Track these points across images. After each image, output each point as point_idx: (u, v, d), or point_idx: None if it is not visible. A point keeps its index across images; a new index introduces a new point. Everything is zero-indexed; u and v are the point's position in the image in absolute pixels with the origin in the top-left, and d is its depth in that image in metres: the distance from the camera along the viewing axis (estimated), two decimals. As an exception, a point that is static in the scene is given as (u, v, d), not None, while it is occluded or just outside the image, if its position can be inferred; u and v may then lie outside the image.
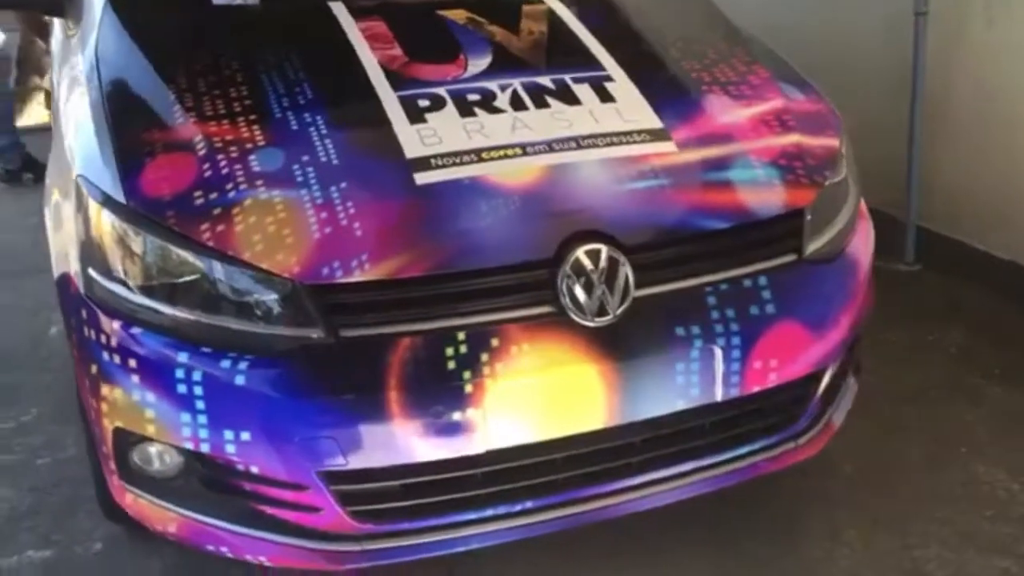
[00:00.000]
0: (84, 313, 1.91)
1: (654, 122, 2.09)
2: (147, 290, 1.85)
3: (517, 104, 2.07)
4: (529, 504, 1.92)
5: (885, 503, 2.36)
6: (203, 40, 2.28)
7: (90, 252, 1.92)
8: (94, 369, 1.87)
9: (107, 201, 1.90)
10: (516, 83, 2.12)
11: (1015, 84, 3.30)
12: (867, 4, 3.87)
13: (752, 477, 2.09)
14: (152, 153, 1.95)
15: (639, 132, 2.05)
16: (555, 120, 2.05)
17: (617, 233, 1.88)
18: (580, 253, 1.84)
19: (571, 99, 2.11)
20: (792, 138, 2.17)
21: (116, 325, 1.85)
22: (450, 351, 1.78)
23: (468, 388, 1.77)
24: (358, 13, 2.31)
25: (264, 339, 1.79)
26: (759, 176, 2.07)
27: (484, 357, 1.78)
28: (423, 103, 2.04)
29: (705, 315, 1.91)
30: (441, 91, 2.08)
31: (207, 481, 1.89)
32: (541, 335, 1.82)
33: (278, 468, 1.81)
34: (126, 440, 1.89)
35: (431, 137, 1.96)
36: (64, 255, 2.03)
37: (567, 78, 2.16)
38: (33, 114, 6.41)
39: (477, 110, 2.04)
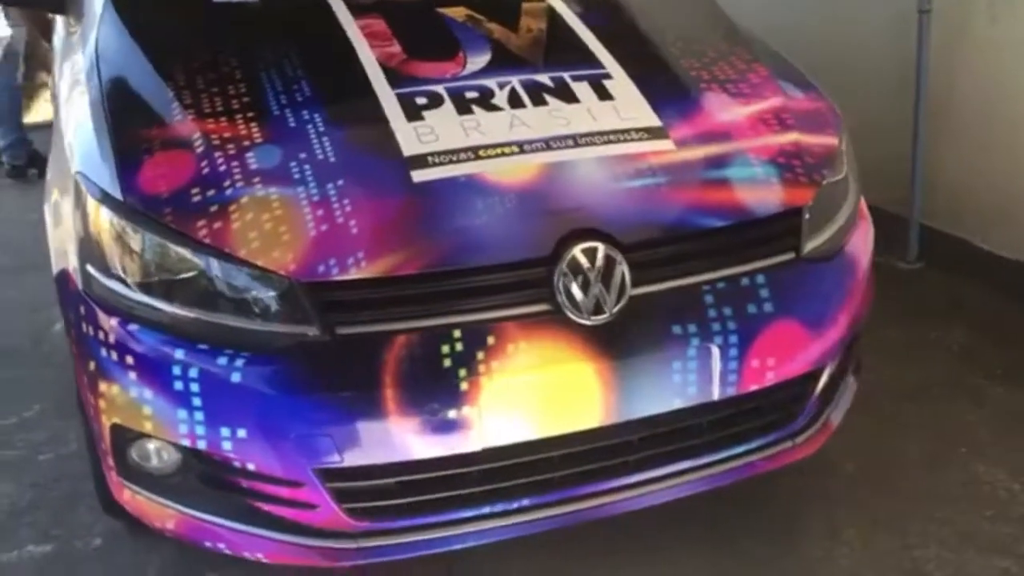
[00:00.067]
0: (82, 310, 1.91)
1: (652, 120, 2.08)
2: (145, 287, 1.85)
3: (515, 102, 2.07)
4: (526, 502, 1.92)
5: (885, 502, 2.36)
6: (203, 37, 2.28)
7: (88, 249, 1.92)
8: (92, 366, 1.88)
9: (105, 198, 1.90)
10: (514, 81, 2.12)
11: (1019, 81, 3.29)
12: (869, 2, 3.86)
13: (749, 476, 2.09)
14: (150, 150, 1.96)
15: (637, 130, 2.05)
16: (553, 118, 2.04)
17: (614, 231, 1.88)
18: (577, 251, 1.84)
19: (569, 97, 2.10)
20: (791, 136, 2.16)
21: (114, 322, 1.86)
22: (446, 349, 1.78)
23: (464, 386, 1.77)
24: (357, 10, 2.31)
25: (261, 336, 1.80)
26: (757, 174, 2.07)
27: (480, 355, 1.78)
28: (421, 101, 2.04)
29: (702, 314, 1.90)
30: (439, 89, 2.08)
31: (204, 478, 1.89)
32: (537, 333, 1.82)
33: (274, 465, 1.81)
34: (124, 436, 1.90)
35: (428, 135, 1.96)
36: (63, 252, 2.03)
37: (566, 76, 2.15)
38: (40, 110, 6.42)
39: (475, 108, 2.04)
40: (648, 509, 2.01)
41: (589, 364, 1.83)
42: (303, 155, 1.92)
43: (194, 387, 1.78)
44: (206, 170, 1.90)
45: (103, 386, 1.86)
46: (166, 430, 1.82)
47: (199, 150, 1.93)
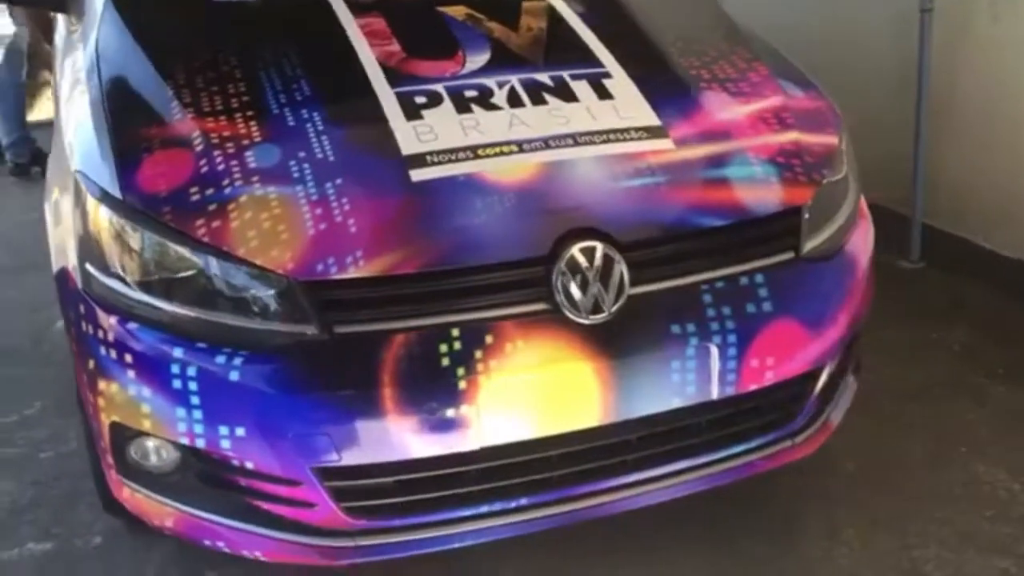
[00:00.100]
0: (82, 308, 1.92)
1: (651, 119, 2.08)
2: (144, 286, 1.86)
3: (514, 101, 2.06)
4: (524, 501, 1.92)
5: (885, 502, 2.35)
6: (203, 37, 2.29)
7: (88, 248, 1.93)
8: (92, 364, 1.89)
9: (105, 197, 1.91)
10: (514, 80, 2.12)
11: (1020, 80, 3.28)
12: (870, 1, 3.85)
13: (748, 475, 2.08)
14: (149, 149, 1.96)
15: (636, 129, 2.05)
16: (552, 117, 2.04)
17: (613, 230, 1.88)
18: (575, 250, 1.84)
19: (569, 96, 2.10)
20: (791, 136, 2.16)
21: (113, 320, 1.86)
22: (444, 348, 1.78)
23: (462, 385, 1.78)
24: (357, 9, 2.31)
25: (259, 335, 1.80)
26: (757, 174, 2.06)
27: (478, 354, 1.78)
28: (420, 100, 2.04)
29: (701, 313, 1.90)
30: (438, 88, 2.08)
31: (203, 476, 1.90)
32: (536, 332, 1.82)
33: (272, 464, 1.81)
34: (123, 435, 1.90)
35: (427, 134, 1.96)
36: (63, 250, 2.04)
37: (565, 75, 2.15)
38: (44, 108, 6.41)
39: (474, 107, 2.04)
40: (646, 508, 2.01)
41: (587, 363, 1.83)
42: (302, 154, 1.92)
43: (193, 385, 1.79)
44: (205, 169, 1.90)
45: (102, 384, 1.86)
46: (165, 428, 1.83)
47: (198, 149, 1.94)
